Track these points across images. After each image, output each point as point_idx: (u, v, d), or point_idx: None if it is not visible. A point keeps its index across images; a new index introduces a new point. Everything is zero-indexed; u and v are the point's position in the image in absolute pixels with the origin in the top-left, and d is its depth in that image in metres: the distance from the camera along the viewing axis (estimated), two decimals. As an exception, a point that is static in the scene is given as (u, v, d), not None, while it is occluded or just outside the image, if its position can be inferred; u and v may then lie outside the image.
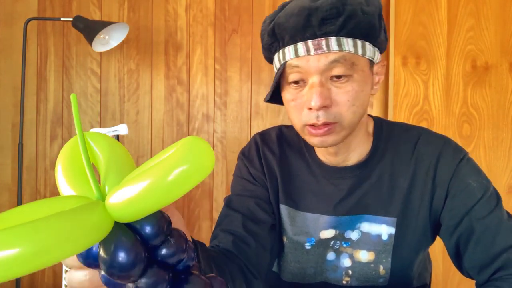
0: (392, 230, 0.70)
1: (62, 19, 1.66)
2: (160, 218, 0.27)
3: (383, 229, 0.70)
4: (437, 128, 1.68)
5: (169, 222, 0.28)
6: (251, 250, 0.67)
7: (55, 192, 1.84)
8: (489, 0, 1.66)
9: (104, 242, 0.26)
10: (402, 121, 1.68)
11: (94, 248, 0.27)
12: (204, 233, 1.82)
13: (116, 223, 0.27)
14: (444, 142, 0.70)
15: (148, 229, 0.27)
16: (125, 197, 0.25)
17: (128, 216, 0.26)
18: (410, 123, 1.72)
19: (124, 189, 0.25)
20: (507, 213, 0.66)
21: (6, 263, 0.20)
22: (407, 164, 0.70)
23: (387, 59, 1.74)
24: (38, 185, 1.85)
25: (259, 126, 1.80)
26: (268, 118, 1.82)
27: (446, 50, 1.68)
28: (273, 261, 0.77)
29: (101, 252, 0.26)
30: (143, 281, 0.27)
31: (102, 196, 0.28)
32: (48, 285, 1.86)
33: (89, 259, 0.28)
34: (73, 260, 0.30)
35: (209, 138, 1.83)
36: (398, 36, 1.68)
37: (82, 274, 0.30)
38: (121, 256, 0.25)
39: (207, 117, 1.82)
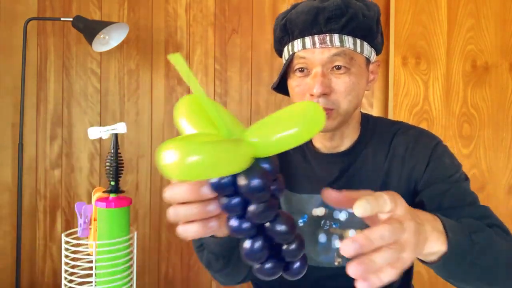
0: None
1: (62, 19, 1.66)
2: (275, 159, 0.37)
3: None
4: (437, 128, 1.68)
5: (278, 165, 0.38)
6: None
7: (55, 192, 1.84)
8: (489, 0, 1.66)
9: (246, 172, 0.34)
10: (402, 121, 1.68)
11: (224, 179, 0.35)
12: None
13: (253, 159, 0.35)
14: (421, 132, 0.81)
15: (270, 167, 0.36)
16: (265, 137, 0.35)
17: (263, 152, 0.36)
18: (410, 123, 1.71)
19: (263, 133, 0.36)
20: (473, 193, 0.73)
21: (194, 165, 0.30)
22: (386, 150, 0.79)
23: (387, 59, 1.74)
24: (38, 185, 1.85)
25: (259, 126, 1.80)
26: (268, 118, 1.81)
27: (446, 50, 1.67)
28: None
29: (242, 180, 0.34)
30: (259, 205, 0.35)
31: (230, 136, 0.36)
32: (48, 285, 1.86)
33: (220, 187, 0.36)
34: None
35: (209, 138, 1.82)
36: (398, 36, 1.68)
37: (185, 187, 0.37)
38: (260, 181, 0.34)
39: (207, 117, 1.82)
